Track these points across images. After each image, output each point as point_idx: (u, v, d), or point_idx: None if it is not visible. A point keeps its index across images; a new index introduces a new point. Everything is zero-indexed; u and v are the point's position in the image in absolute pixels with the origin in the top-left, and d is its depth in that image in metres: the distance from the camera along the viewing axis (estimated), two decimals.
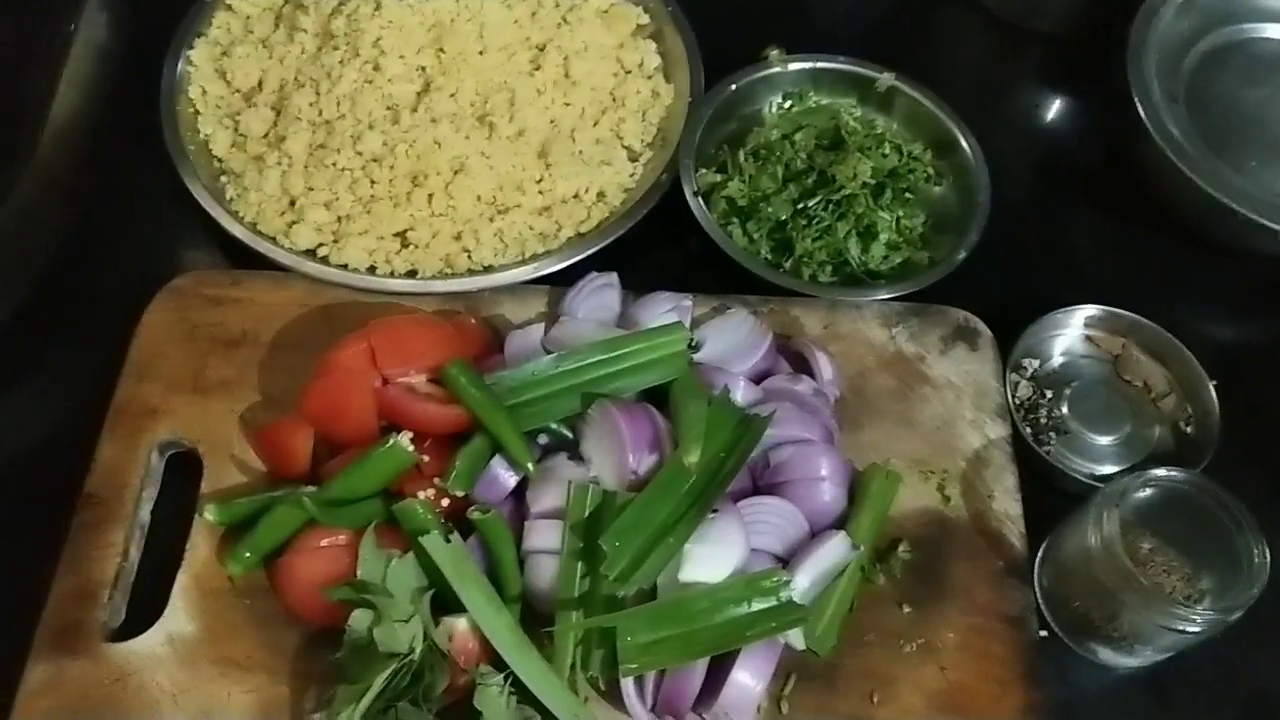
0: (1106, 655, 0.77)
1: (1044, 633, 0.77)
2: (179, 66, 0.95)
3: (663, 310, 0.83)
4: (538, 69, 0.95)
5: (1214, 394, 0.85)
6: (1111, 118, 1.01)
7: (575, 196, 0.92)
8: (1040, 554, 0.80)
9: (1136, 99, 0.92)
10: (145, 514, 0.78)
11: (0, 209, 0.81)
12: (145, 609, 0.74)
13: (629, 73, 0.99)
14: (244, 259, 0.88)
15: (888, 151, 0.94)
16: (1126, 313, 0.89)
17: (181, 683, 0.71)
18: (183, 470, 0.80)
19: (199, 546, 0.76)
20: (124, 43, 0.99)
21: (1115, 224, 0.99)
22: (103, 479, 0.78)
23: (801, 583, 0.72)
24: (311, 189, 0.89)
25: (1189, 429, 0.86)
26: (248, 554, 0.73)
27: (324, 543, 0.72)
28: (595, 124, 0.96)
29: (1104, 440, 0.86)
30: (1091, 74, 1.03)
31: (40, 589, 0.74)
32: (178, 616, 0.73)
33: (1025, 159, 1.03)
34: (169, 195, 0.90)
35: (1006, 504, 0.80)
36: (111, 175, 0.94)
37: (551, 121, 0.94)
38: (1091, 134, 1.05)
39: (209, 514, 0.75)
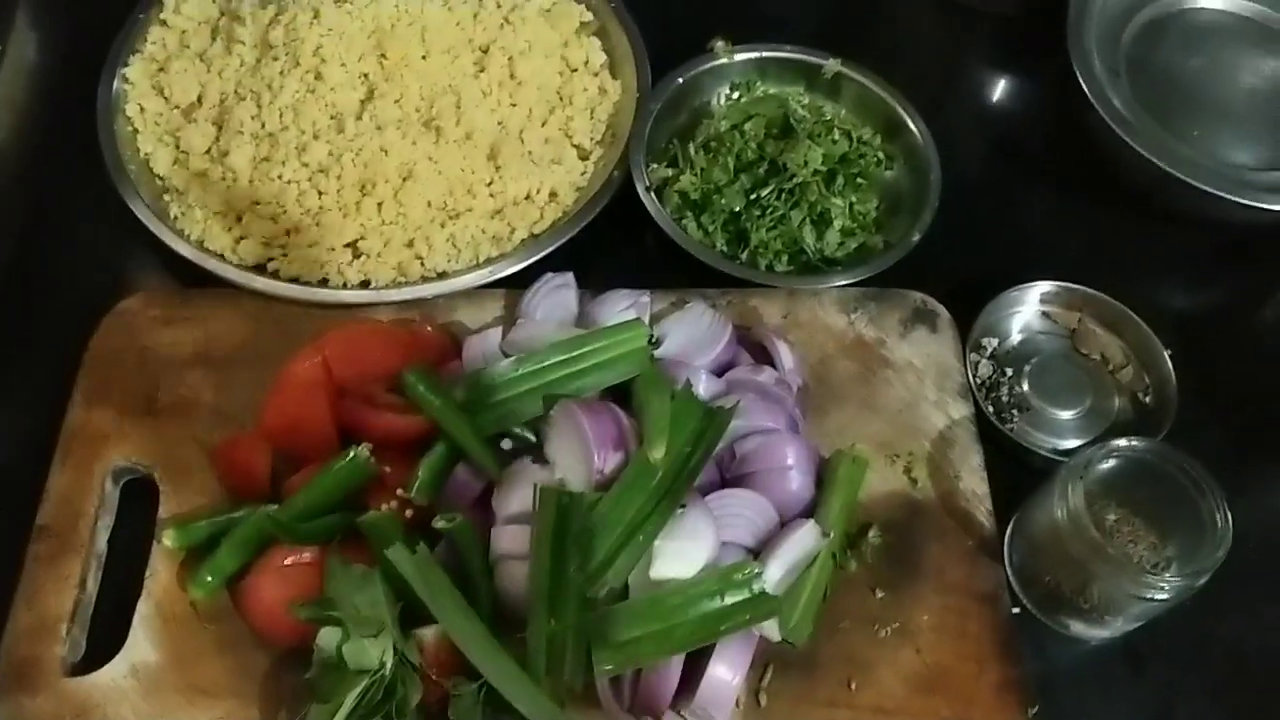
0: (1078, 628, 0.77)
1: (1016, 609, 0.78)
2: (115, 84, 0.93)
3: (621, 308, 0.82)
4: (482, 70, 0.94)
5: (1170, 363, 0.86)
6: (1058, 93, 1.02)
7: (527, 198, 0.91)
8: (1009, 531, 0.80)
9: (1078, 73, 0.93)
10: (102, 543, 0.76)
11: None
12: (106, 640, 0.72)
13: (575, 71, 0.98)
14: (193, 277, 0.86)
15: (837, 138, 0.94)
16: (1080, 287, 0.89)
17: (147, 713, 0.69)
18: (140, 496, 0.78)
19: (159, 573, 0.74)
20: (57, 62, 0.97)
21: (1068, 200, 0.99)
22: (56, 509, 0.76)
23: (773, 573, 0.72)
24: (257, 203, 0.88)
25: (1147, 399, 0.87)
26: (210, 577, 0.72)
27: (288, 561, 0.71)
28: (544, 124, 0.95)
29: (1065, 414, 0.87)
30: (1037, 51, 1.04)
31: None
32: (140, 646, 0.71)
33: (976, 138, 1.04)
34: (112, 216, 0.88)
35: (973, 483, 0.80)
36: (51, 199, 0.91)
37: (499, 123, 0.93)
38: (1040, 111, 1.06)
39: (168, 539, 0.73)
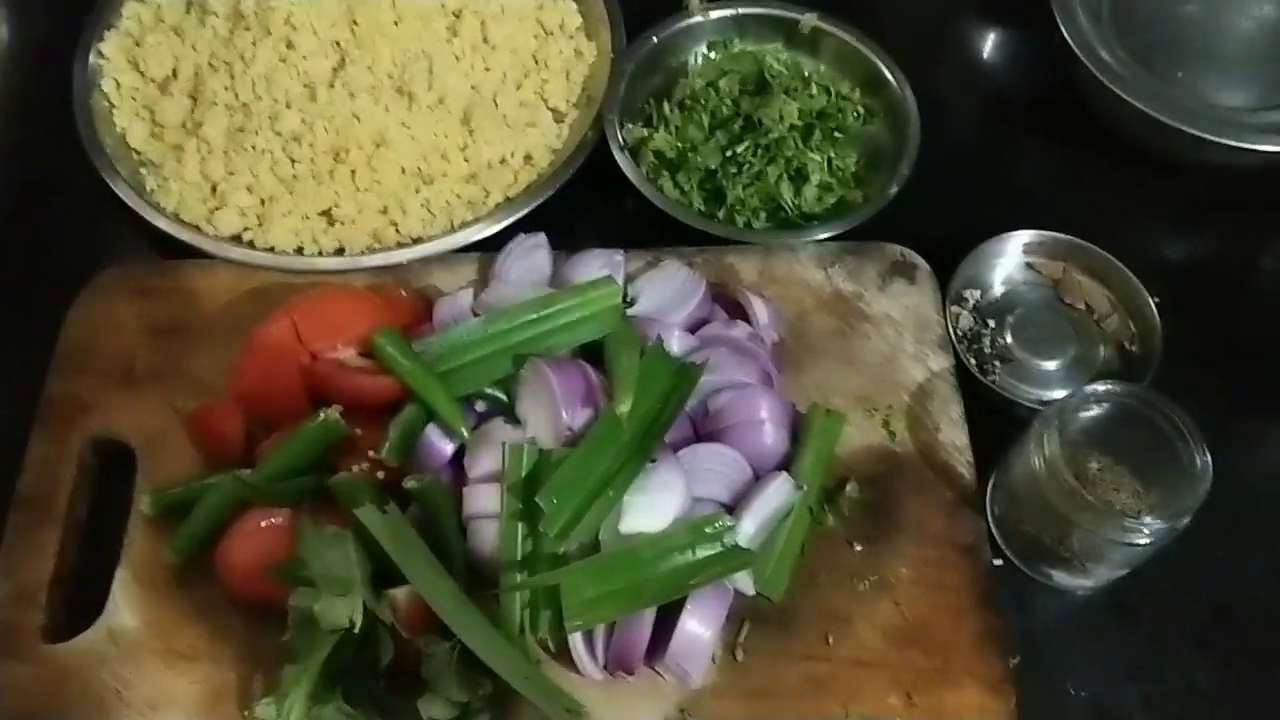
0: (1061, 578, 0.76)
1: (998, 561, 0.77)
2: (90, 60, 0.94)
3: (595, 268, 0.82)
4: (455, 35, 0.93)
5: (1155, 311, 0.84)
6: (1043, 44, 1.00)
7: (502, 161, 0.91)
8: (991, 483, 0.79)
9: (1059, 19, 0.91)
10: (81, 512, 0.77)
11: None
12: (85, 607, 0.73)
13: (550, 34, 0.97)
14: (170, 249, 0.87)
15: (815, 92, 0.93)
16: (1064, 236, 0.88)
17: (126, 678, 0.70)
18: (119, 464, 0.78)
19: (137, 541, 0.74)
20: (32, 40, 0.97)
21: (1053, 150, 0.98)
22: (35, 479, 0.76)
23: (747, 527, 0.71)
24: (232, 173, 0.88)
25: (1133, 347, 0.85)
26: (185, 541, 0.72)
27: (262, 524, 0.71)
28: (518, 87, 0.94)
29: (1049, 365, 0.85)
30: (1021, 1, 1.02)
31: None
32: (119, 612, 0.72)
33: (960, 91, 1.02)
34: (89, 191, 0.88)
35: (953, 435, 0.79)
36: (29, 174, 0.92)
37: (472, 87, 0.92)
38: (1024, 60, 1.05)
39: (144, 505, 0.74)
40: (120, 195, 0.87)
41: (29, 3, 0.99)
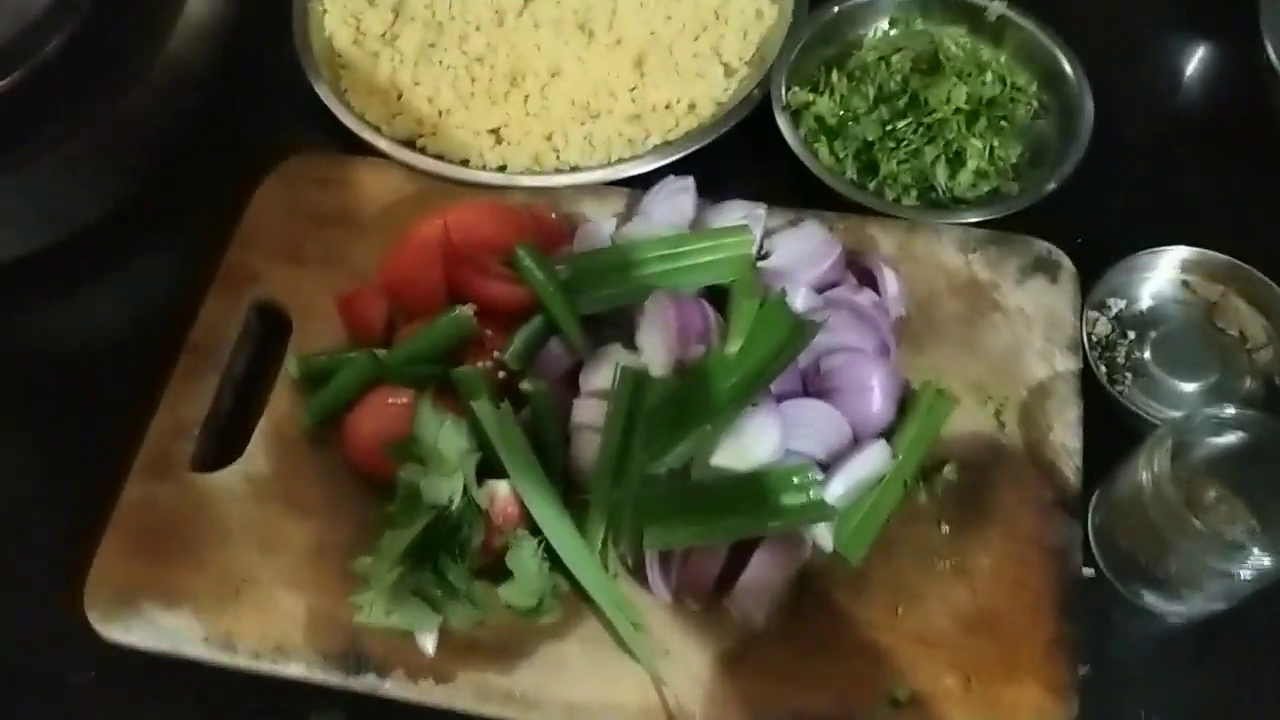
0: (1153, 599, 0.74)
1: (1090, 571, 0.75)
2: None
3: (735, 217, 0.84)
4: None
5: None
6: (1242, 62, 0.96)
7: (666, 106, 0.94)
8: (1097, 493, 0.77)
9: (1265, 37, 0.87)
10: (239, 366, 0.85)
11: (134, 89, 0.88)
12: (229, 449, 0.81)
13: None
14: (352, 145, 0.94)
15: (989, 80, 0.92)
16: (1229, 258, 0.84)
17: (251, 515, 0.77)
18: (275, 330, 0.86)
19: (280, 398, 0.82)
20: None
21: (1230, 171, 0.94)
22: (205, 331, 0.85)
23: (837, 487, 0.72)
24: (417, 84, 0.94)
25: None
26: (320, 406, 0.79)
27: (389, 401, 0.77)
28: (695, 38, 0.97)
29: (1187, 386, 0.82)
30: (1226, 12, 0.97)
31: (145, 423, 0.82)
32: (256, 459, 0.80)
33: (1143, 98, 0.99)
34: (293, 83, 0.96)
35: (1065, 437, 0.78)
36: (243, 64, 1.01)
37: (651, 33, 0.96)
38: (1220, 77, 1.00)
39: (291, 368, 0.81)
40: (317, 90, 0.95)
41: None
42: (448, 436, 0.73)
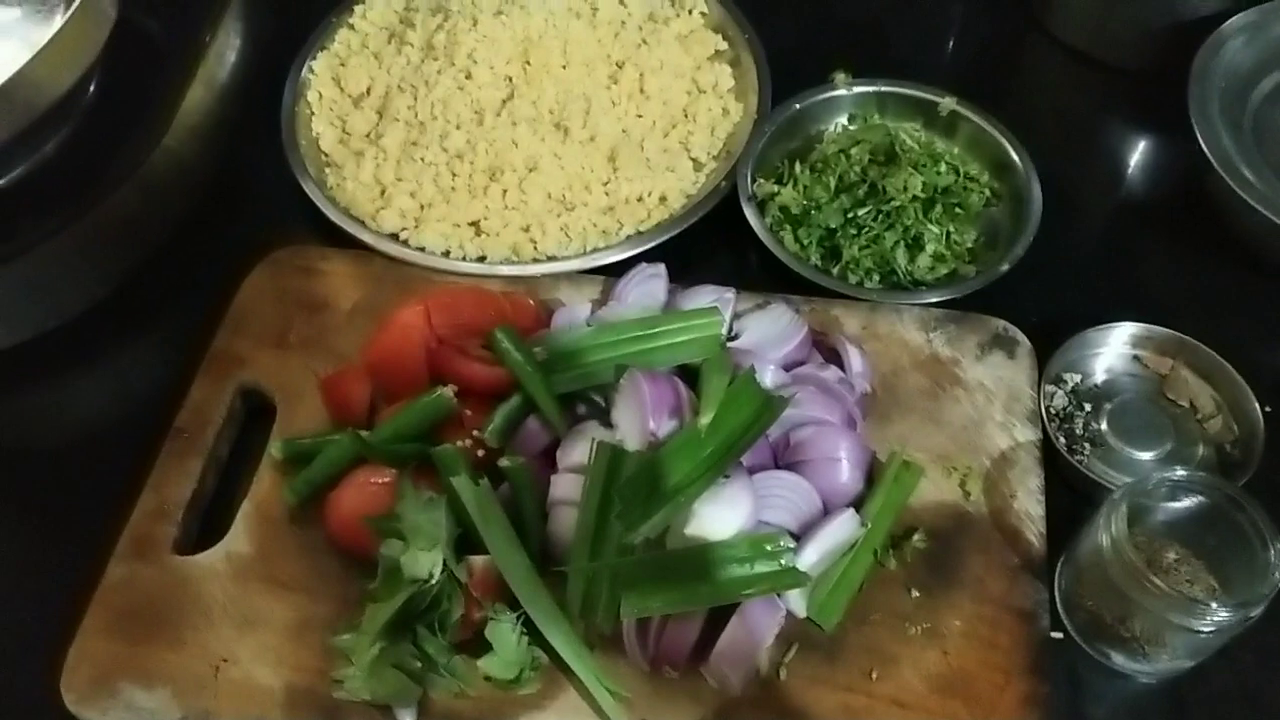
0: (1120, 660, 0.76)
1: (1059, 634, 0.77)
2: (302, 73, 1.07)
3: (705, 300, 0.87)
4: (615, 83, 1.02)
5: (1261, 418, 0.83)
6: (1178, 150, 1.02)
7: (639, 199, 0.98)
8: (1062, 558, 0.80)
9: (1195, 124, 0.93)
10: (223, 449, 0.87)
11: (128, 184, 0.92)
12: (211, 530, 0.82)
13: (703, 92, 1.05)
14: (337, 239, 0.98)
15: (943, 170, 0.97)
16: (1175, 332, 0.88)
17: (232, 594, 0.78)
18: (260, 416, 0.88)
19: (264, 480, 0.83)
20: (256, 52, 1.12)
21: (1174, 251, 0.99)
22: (190, 415, 0.87)
23: (809, 555, 0.74)
24: (400, 180, 0.98)
25: (1234, 450, 0.85)
26: (303, 485, 0.81)
27: (371, 480, 0.79)
28: (665, 135, 1.02)
29: (1143, 455, 0.85)
30: (1161, 104, 1.04)
31: (128, 506, 0.83)
32: (238, 538, 0.81)
33: (1088, 184, 1.05)
34: (280, 180, 1.01)
35: (1028, 504, 0.80)
36: (234, 162, 1.05)
37: (623, 130, 1.01)
38: (1158, 163, 1.06)
39: (275, 450, 0.83)
40: (304, 187, 0.99)
41: (260, 21, 1.14)
42: (428, 513, 0.75)
